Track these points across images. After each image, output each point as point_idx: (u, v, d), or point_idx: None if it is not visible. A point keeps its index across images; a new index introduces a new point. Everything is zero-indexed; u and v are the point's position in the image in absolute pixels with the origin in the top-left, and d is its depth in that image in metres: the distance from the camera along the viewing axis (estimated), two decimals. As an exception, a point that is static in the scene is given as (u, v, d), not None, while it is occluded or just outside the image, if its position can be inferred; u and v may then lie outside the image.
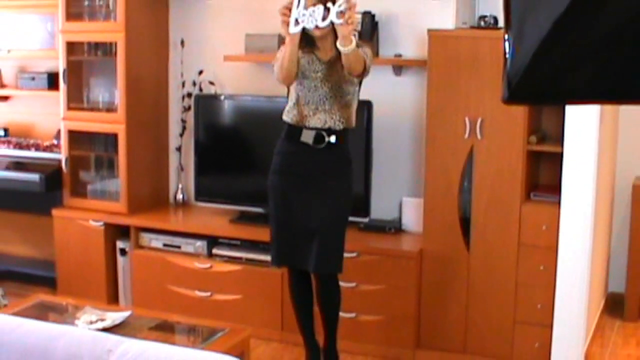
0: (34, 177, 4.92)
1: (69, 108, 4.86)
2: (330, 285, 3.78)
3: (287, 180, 3.74)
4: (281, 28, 3.48)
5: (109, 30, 4.70)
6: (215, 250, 4.55)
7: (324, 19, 3.33)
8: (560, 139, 3.82)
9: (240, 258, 4.48)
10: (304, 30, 3.44)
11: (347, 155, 3.75)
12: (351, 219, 4.29)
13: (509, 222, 3.96)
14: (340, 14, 3.30)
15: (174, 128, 5.07)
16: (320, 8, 3.33)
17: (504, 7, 1.21)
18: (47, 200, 5.00)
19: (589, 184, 3.76)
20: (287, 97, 3.81)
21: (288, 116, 3.72)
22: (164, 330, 3.34)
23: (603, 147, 4.02)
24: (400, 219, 4.50)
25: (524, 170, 3.93)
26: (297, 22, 3.37)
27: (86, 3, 4.77)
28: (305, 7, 3.35)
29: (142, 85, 4.82)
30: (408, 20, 4.38)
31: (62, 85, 4.85)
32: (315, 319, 3.86)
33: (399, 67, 4.43)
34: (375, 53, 4.35)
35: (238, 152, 4.73)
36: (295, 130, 3.69)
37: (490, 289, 4.02)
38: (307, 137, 3.67)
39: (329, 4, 3.33)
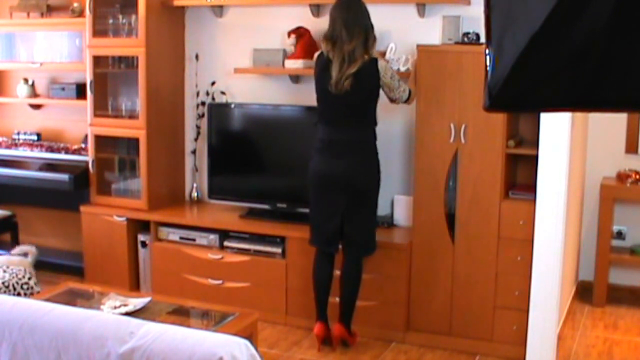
0: (64, 177, 4.91)
1: (95, 115, 4.85)
2: None
3: None
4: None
5: (131, 45, 4.69)
6: (226, 243, 4.54)
7: (404, 65, 4.21)
8: (535, 143, 3.82)
9: (249, 250, 4.47)
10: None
11: None
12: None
13: (489, 217, 3.95)
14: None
15: (189, 133, 5.06)
16: (403, 57, 4.23)
17: (485, 25, 1.21)
18: (76, 197, 5.00)
19: (562, 183, 3.75)
20: (374, 109, 3.92)
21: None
22: (181, 315, 3.33)
23: (574, 150, 4.01)
24: (392, 214, 4.49)
25: (503, 171, 3.92)
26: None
27: (111, 21, 4.77)
28: (394, 54, 4.23)
29: (161, 95, 4.81)
30: (400, 36, 4.37)
31: (89, 94, 4.84)
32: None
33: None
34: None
35: (247, 154, 4.73)
36: None
37: (472, 277, 4.02)
38: None
39: (409, 56, 4.21)
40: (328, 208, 3.93)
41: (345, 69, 3.77)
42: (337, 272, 4.04)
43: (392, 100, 3.96)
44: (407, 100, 3.99)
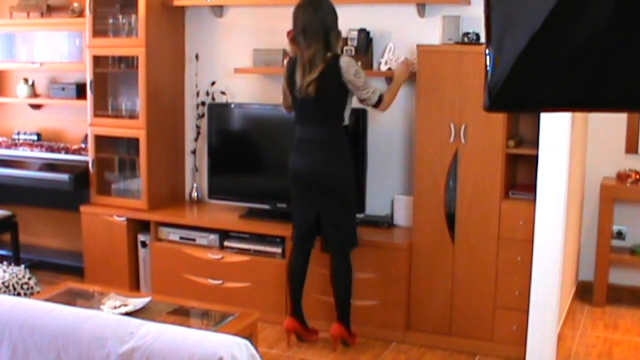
0: (64, 177, 4.91)
1: (95, 115, 4.85)
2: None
3: None
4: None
5: (131, 45, 4.69)
6: (226, 243, 4.54)
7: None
8: (535, 143, 3.82)
9: (249, 250, 4.47)
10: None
11: None
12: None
13: (489, 217, 3.95)
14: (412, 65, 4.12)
15: (189, 133, 5.06)
16: (402, 57, 4.19)
17: (485, 25, 1.21)
18: (76, 197, 5.00)
19: (562, 183, 3.76)
20: (346, 106, 3.89)
21: (349, 119, 3.93)
22: (181, 315, 3.33)
23: (574, 150, 4.01)
24: (392, 214, 4.49)
25: (503, 171, 3.92)
26: (386, 62, 4.24)
27: (111, 21, 4.77)
28: (393, 54, 4.24)
29: (161, 95, 4.81)
30: (400, 36, 4.38)
31: (89, 94, 4.84)
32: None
33: (391, 78, 4.41)
34: (370, 65, 4.36)
35: (247, 154, 4.73)
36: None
37: (472, 278, 4.02)
38: None
39: (408, 56, 4.18)
40: (303, 204, 3.99)
41: (307, 75, 3.79)
42: (327, 272, 4.04)
43: (361, 101, 3.90)
44: (378, 106, 3.90)
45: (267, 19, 4.72)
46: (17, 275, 3.79)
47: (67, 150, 5.09)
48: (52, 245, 5.47)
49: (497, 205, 3.93)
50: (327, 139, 3.86)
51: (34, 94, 5.35)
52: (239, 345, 2.23)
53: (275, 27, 4.66)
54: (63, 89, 5.14)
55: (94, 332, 2.30)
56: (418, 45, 4.04)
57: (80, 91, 5.04)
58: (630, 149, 4.81)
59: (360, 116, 4.25)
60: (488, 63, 1.20)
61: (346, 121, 3.89)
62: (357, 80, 3.80)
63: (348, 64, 3.79)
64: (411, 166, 4.28)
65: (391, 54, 4.27)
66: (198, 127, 4.98)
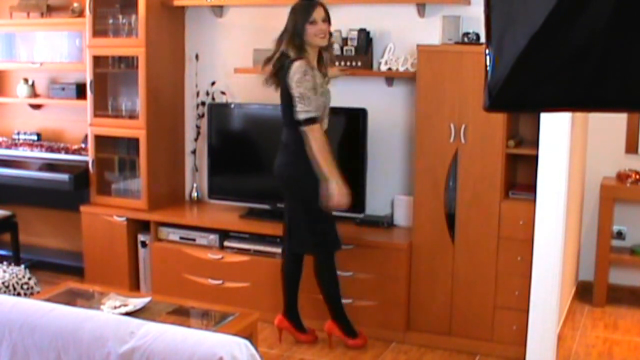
0: (64, 177, 4.91)
1: (95, 115, 4.85)
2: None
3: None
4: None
5: (131, 45, 4.69)
6: (226, 243, 4.54)
7: (402, 65, 4.21)
8: (535, 143, 3.82)
9: (248, 250, 4.47)
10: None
11: None
12: (348, 214, 4.32)
13: (489, 217, 3.95)
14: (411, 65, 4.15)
15: (189, 133, 5.06)
16: (402, 57, 4.21)
17: (485, 25, 1.21)
18: (76, 198, 5.00)
19: (562, 183, 3.75)
20: None
21: None
22: (181, 315, 3.33)
23: (574, 150, 4.01)
24: (392, 214, 4.49)
25: (503, 171, 3.92)
26: (386, 62, 4.24)
27: (111, 21, 4.77)
28: (393, 54, 4.23)
29: (161, 95, 4.81)
30: (399, 36, 4.38)
31: (89, 94, 4.84)
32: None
33: (391, 78, 4.42)
34: (370, 65, 4.37)
35: (247, 154, 4.73)
36: None
37: (472, 278, 4.02)
38: None
39: (408, 56, 4.20)
40: (284, 206, 4.07)
41: (269, 77, 3.89)
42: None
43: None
44: (303, 126, 3.71)
45: (267, 19, 4.72)
46: (17, 275, 3.79)
47: (67, 150, 5.09)
48: (52, 245, 5.47)
49: (497, 205, 3.93)
50: (287, 141, 3.87)
51: (34, 94, 5.35)
52: (239, 345, 2.23)
53: (275, 27, 4.64)
54: (63, 89, 5.14)
55: (94, 332, 2.30)
56: (418, 45, 4.04)
57: (80, 91, 5.04)
58: (630, 149, 4.81)
59: (360, 116, 4.26)
60: (488, 63, 1.20)
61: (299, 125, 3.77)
62: (294, 87, 3.68)
63: (295, 69, 3.69)
64: (411, 166, 4.28)
65: (391, 54, 4.27)
66: (198, 127, 4.98)
